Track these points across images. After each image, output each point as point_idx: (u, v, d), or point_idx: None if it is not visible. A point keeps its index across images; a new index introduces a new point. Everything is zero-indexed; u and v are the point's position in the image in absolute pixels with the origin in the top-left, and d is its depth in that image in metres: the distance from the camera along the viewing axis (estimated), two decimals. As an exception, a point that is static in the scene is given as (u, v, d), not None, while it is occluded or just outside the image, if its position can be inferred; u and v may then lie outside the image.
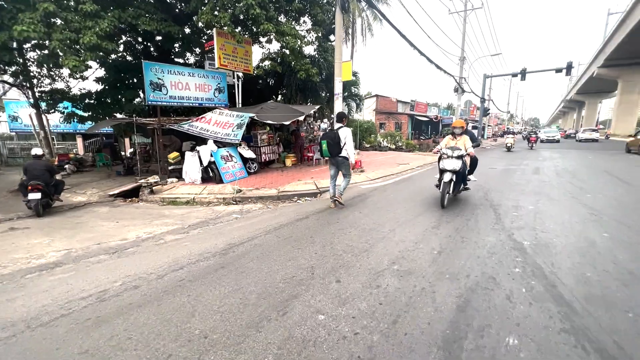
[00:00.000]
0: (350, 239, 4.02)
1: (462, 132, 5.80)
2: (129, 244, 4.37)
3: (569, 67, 22.45)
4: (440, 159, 5.63)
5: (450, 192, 5.42)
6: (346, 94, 17.06)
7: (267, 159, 10.77)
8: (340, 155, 5.42)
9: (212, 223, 5.31)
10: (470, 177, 6.10)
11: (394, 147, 19.09)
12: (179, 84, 9.70)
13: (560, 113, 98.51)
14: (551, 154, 15.99)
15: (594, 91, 58.17)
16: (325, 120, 13.47)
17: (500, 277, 2.90)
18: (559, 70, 23.93)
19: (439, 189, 5.59)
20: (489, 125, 38.98)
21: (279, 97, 16.36)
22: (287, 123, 9.85)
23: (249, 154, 9.36)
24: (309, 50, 14.59)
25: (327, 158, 5.71)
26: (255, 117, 9.25)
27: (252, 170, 9.43)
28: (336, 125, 5.58)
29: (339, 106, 10.31)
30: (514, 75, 23.88)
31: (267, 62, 14.38)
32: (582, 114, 74.88)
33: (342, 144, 5.37)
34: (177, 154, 9.57)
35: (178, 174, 9.22)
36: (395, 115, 26.72)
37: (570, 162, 12.13)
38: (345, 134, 5.38)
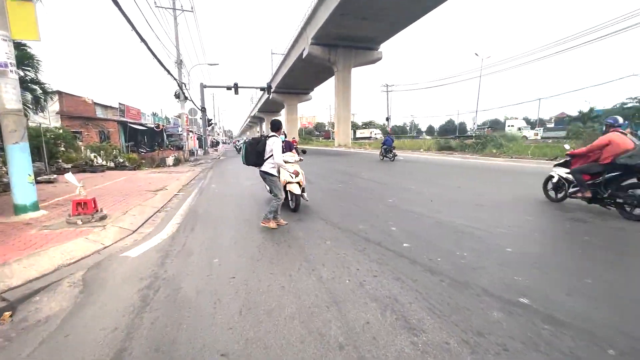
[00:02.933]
0: None
1: None
2: None
3: (269, 88, 26.69)
4: None
5: None
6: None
7: None
8: (263, 169, 4.61)
9: None
10: None
11: (112, 164, 13.54)
12: None
13: (247, 127, 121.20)
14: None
15: (270, 110, 76.00)
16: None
17: None
18: (262, 89, 27.97)
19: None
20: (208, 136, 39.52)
21: None
22: None
23: None
24: None
25: None
26: None
27: None
28: (270, 132, 4.64)
29: (10, 93, 4.94)
30: (229, 88, 25.01)
31: None
32: (263, 128, 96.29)
33: (266, 155, 4.54)
34: None
35: None
36: (98, 122, 19.76)
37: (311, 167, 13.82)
38: (273, 145, 4.41)
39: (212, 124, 29.81)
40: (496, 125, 64.43)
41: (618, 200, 4.72)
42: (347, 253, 3.55)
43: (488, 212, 5.28)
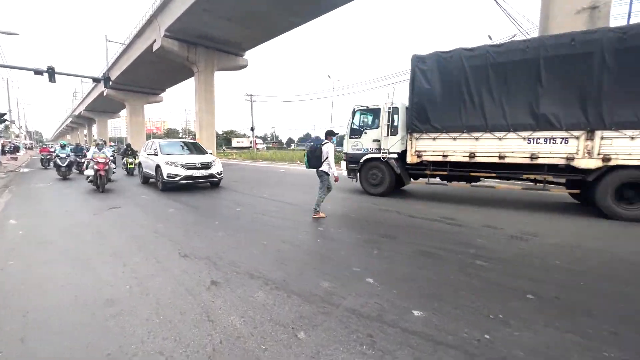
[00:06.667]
0: None
1: None
2: None
3: (107, 79, 20.74)
4: None
5: None
6: None
7: None
8: (321, 169, 5.69)
9: None
10: None
11: None
12: None
13: (68, 128, 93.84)
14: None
15: (104, 110, 61.03)
16: None
17: None
18: (96, 80, 21.41)
19: None
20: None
21: None
22: None
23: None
24: None
25: None
26: None
27: None
28: (323, 140, 5.80)
29: None
30: (39, 72, 17.64)
31: None
32: (94, 131, 76.45)
33: (323, 158, 5.65)
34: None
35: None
36: None
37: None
38: (327, 149, 5.65)
39: (5, 120, 20.32)
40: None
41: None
42: None
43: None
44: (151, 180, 10.35)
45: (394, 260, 3.65)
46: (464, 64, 6.82)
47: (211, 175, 9.23)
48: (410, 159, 7.58)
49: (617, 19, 12.02)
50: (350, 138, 8.80)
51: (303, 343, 2.12)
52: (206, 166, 9.21)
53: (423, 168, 7.59)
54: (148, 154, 10.09)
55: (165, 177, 8.67)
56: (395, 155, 7.94)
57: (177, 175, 8.67)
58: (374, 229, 5.07)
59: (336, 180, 5.72)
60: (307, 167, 5.94)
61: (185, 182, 8.82)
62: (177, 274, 3.27)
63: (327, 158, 5.61)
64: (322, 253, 3.91)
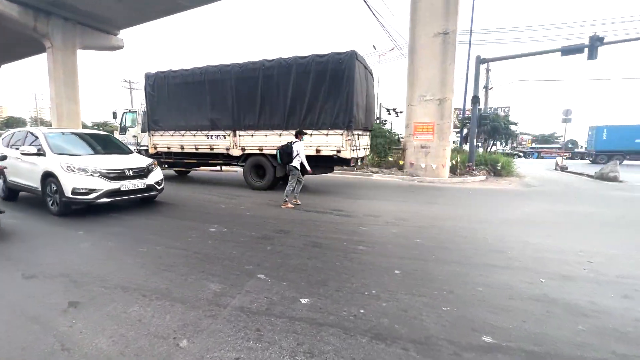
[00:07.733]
0: None
1: None
2: None
3: None
4: None
5: None
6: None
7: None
8: (292, 164, 6.31)
9: None
10: None
11: None
12: None
13: None
14: None
15: None
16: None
17: None
18: None
19: None
20: None
21: None
22: None
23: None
24: None
25: None
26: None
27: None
28: (293, 139, 6.53)
29: None
30: None
31: None
32: None
33: (293, 155, 6.27)
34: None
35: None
36: None
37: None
38: (298, 148, 6.31)
39: None
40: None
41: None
42: None
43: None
44: (23, 193, 6.79)
45: (286, 254, 3.77)
46: (170, 82, 9.30)
47: (149, 188, 6.02)
48: (150, 150, 10.05)
49: (462, 45, 15.36)
50: (120, 134, 11.48)
51: (185, 351, 2.00)
52: (141, 173, 5.94)
53: (159, 157, 9.79)
54: (23, 153, 5.89)
55: (68, 193, 5.20)
56: (146, 148, 10.24)
57: (92, 191, 5.27)
58: (269, 225, 5.11)
59: (310, 172, 6.73)
60: (278, 162, 6.84)
61: (108, 200, 5.45)
62: (17, 301, 2.61)
63: (297, 155, 6.28)
64: (212, 254, 3.72)
